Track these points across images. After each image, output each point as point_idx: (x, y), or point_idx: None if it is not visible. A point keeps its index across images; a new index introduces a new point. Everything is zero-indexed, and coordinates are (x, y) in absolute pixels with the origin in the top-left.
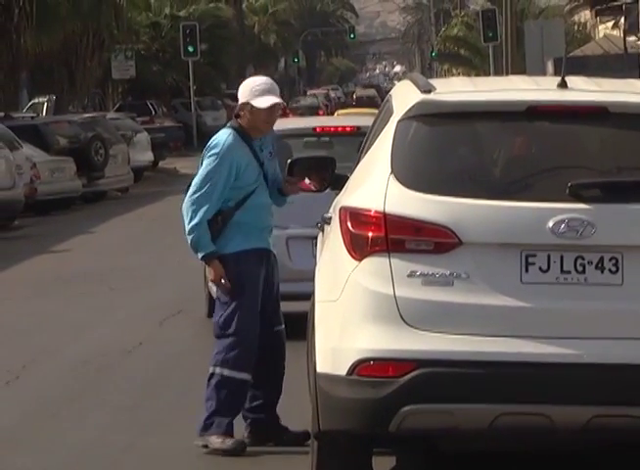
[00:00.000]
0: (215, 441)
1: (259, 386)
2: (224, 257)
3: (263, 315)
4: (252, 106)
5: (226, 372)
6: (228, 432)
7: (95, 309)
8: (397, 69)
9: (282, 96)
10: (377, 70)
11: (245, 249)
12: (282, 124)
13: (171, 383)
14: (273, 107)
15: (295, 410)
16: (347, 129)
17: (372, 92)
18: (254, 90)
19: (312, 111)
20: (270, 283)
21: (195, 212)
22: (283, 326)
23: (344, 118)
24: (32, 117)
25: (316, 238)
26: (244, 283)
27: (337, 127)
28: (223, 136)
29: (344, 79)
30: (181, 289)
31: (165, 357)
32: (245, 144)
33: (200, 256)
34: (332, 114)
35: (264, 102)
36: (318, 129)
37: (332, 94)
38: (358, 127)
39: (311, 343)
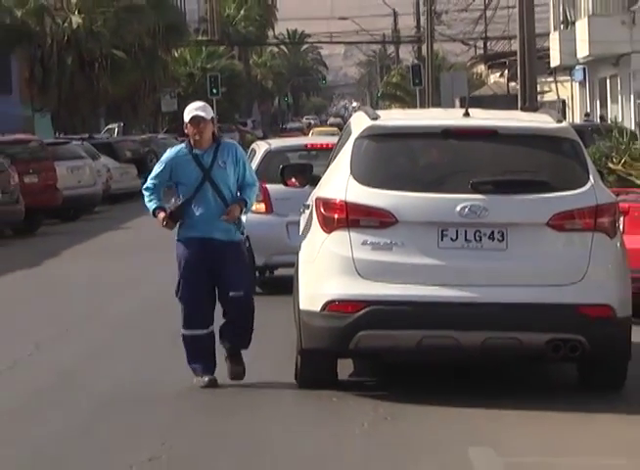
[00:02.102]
0: (196, 381)
1: (225, 336)
2: (176, 241)
3: (221, 285)
4: (184, 122)
5: (182, 330)
6: (201, 373)
7: (146, 268)
8: (354, 104)
9: (277, 122)
10: (340, 105)
11: (185, 237)
12: (283, 142)
13: None
14: (194, 119)
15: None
16: (327, 146)
17: (338, 120)
18: (187, 111)
19: (299, 131)
20: (220, 263)
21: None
22: (240, 292)
23: (325, 138)
24: (108, 138)
25: None
26: (182, 263)
27: (321, 144)
28: (173, 147)
29: (319, 111)
30: None
31: None
32: (188, 153)
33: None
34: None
35: (187, 116)
36: (309, 146)
37: (311, 121)
38: (335, 144)
39: (296, 289)
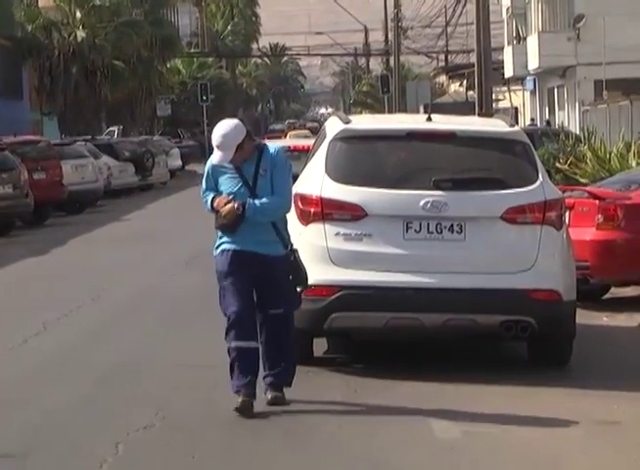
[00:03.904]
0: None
1: (267, 362)
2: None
3: (261, 302)
4: None
5: (229, 344)
6: (237, 391)
7: (146, 255)
8: (329, 110)
9: (260, 126)
10: (316, 111)
11: (223, 249)
12: (269, 144)
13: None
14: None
15: None
16: (308, 148)
17: (315, 124)
18: (213, 138)
19: (281, 132)
20: (260, 279)
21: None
22: (280, 310)
23: (306, 141)
24: (108, 139)
25: None
26: (222, 275)
27: (302, 146)
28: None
29: (298, 116)
30: (199, 241)
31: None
32: (229, 164)
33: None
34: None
35: (215, 158)
36: (292, 148)
37: (293, 124)
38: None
39: None
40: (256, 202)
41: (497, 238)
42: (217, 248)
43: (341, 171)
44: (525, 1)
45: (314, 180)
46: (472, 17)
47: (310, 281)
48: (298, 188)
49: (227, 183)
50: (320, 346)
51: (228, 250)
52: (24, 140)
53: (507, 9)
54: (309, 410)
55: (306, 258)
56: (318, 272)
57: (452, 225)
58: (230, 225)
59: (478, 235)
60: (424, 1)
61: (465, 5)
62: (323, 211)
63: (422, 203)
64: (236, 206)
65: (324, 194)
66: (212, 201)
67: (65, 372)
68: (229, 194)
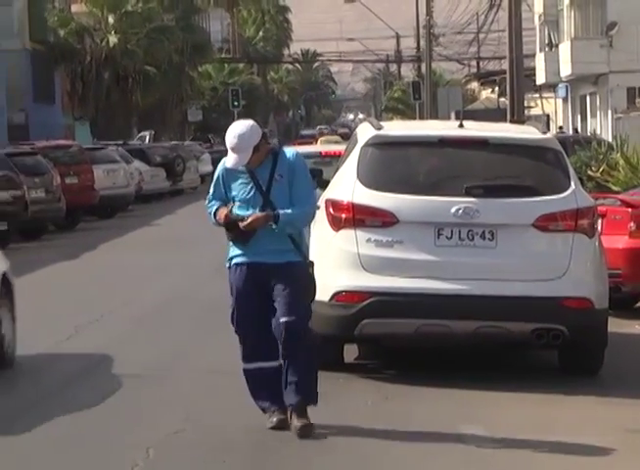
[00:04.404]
0: (267, 421)
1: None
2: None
3: (275, 312)
4: None
5: (242, 365)
6: (270, 409)
7: (176, 260)
8: (360, 116)
9: (291, 132)
10: (347, 117)
11: (235, 263)
12: (302, 149)
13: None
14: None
15: None
16: (339, 153)
17: (346, 130)
18: (226, 140)
19: (312, 137)
20: (272, 287)
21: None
22: (292, 317)
23: (336, 146)
24: (140, 144)
25: None
26: (233, 292)
27: (334, 152)
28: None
29: (329, 122)
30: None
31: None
32: (243, 168)
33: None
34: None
35: (229, 162)
36: (323, 153)
37: (323, 130)
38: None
39: None
40: (287, 212)
41: (529, 245)
42: (230, 260)
43: (372, 177)
44: (558, 8)
45: (346, 186)
46: (504, 23)
47: (341, 287)
48: (329, 194)
49: (239, 189)
50: (351, 352)
51: (242, 264)
52: (57, 145)
53: (539, 16)
54: (340, 416)
55: (337, 263)
56: (349, 278)
57: (484, 232)
58: (245, 237)
59: (509, 242)
60: (456, 8)
61: (497, 12)
62: (354, 216)
63: (453, 209)
64: (265, 215)
65: (355, 200)
66: (216, 212)
67: (96, 376)
68: (241, 201)
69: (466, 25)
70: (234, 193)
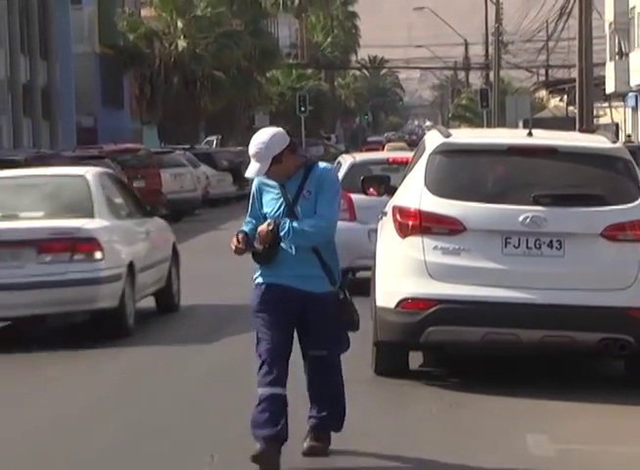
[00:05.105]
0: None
1: (312, 405)
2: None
3: (302, 343)
4: None
5: (259, 390)
6: (261, 442)
7: (241, 265)
8: (427, 123)
9: (357, 138)
10: (414, 124)
11: (259, 282)
12: (367, 156)
13: None
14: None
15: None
16: (407, 160)
17: (413, 136)
18: (249, 150)
19: (379, 144)
20: (303, 317)
21: None
22: (322, 352)
23: (404, 153)
24: (207, 149)
25: None
26: (254, 312)
27: (401, 159)
28: None
29: (396, 129)
30: None
31: None
32: (272, 180)
33: None
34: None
35: (248, 171)
36: (390, 160)
37: (391, 136)
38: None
39: (373, 288)
40: (294, 222)
41: (597, 255)
42: (254, 280)
43: (440, 185)
44: (629, 16)
45: (413, 193)
46: (574, 32)
47: (407, 294)
48: (397, 201)
49: (270, 205)
50: (416, 359)
51: (262, 283)
52: (125, 148)
53: (610, 24)
54: (404, 424)
55: (403, 270)
56: (415, 286)
57: (551, 241)
58: (265, 255)
59: (577, 252)
60: (525, 15)
61: (567, 20)
62: (421, 224)
63: (521, 218)
64: (268, 223)
65: (423, 207)
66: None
67: (160, 379)
68: (270, 218)
69: (535, 33)
70: (265, 209)
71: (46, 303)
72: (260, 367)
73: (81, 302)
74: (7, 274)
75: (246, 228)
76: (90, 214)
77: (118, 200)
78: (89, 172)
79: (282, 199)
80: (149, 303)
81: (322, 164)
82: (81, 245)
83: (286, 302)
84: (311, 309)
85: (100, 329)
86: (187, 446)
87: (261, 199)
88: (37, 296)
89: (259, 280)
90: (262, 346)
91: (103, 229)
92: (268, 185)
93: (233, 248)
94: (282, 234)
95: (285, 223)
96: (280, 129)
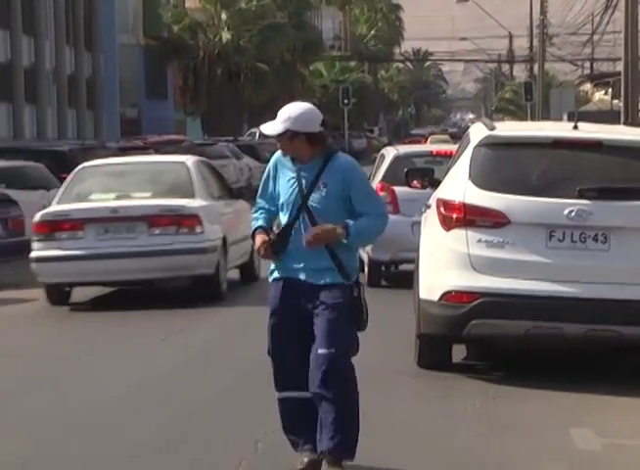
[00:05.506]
0: (297, 460)
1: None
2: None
3: (313, 341)
4: None
5: (275, 394)
6: (301, 446)
7: None
8: (471, 116)
9: (400, 131)
10: (457, 116)
11: (273, 278)
12: (410, 148)
13: None
14: (277, 136)
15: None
16: (450, 153)
17: (456, 129)
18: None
19: (422, 137)
20: (314, 313)
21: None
22: (331, 350)
23: (447, 146)
24: (250, 140)
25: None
26: (269, 310)
27: (445, 151)
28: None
29: (438, 122)
30: None
31: None
32: (290, 159)
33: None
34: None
35: (264, 127)
36: (434, 152)
37: (433, 130)
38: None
39: (416, 280)
40: (358, 224)
41: None
42: (270, 274)
43: (484, 178)
44: None
45: (457, 186)
46: (619, 25)
47: (451, 287)
48: (441, 193)
49: (284, 189)
50: (459, 352)
51: (279, 279)
52: (168, 140)
53: None
54: (448, 417)
55: (447, 263)
56: (459, 278)
57: (596, 235)
58: (275, 250)
59: (622, 245)
60: (570, 8)
61: (613, 13)
62: (465, 216)
63: (566, 211)
64: (339, 232)
65: (467, 200)
66: (255, 233)
67: (205, 370)
68: (284, 203)
69: (581, 26)
70: (280, 191)
71: (155, 269)
72: (273, 371)
73: (185, 268)
74: (123, 244)
75: (262, 222)
76: (191, 195)
77: (212, 183)
78: (189, 160)
79: (296, 186)
80: (234, 274)
81: (343, 157)
82: (185, 220)
83: (298, 297)
84: (322, 304)
85: (198, 293)
86: (232, 434)
87: (276, 178)
88: (148, 263)
89: (276, 275)
90: (273, 348)
91: (202, 207)
92: (285, 166)
93: (262, 253)
94: (350, 240)
95: (351, 228)
96: (318, 112)
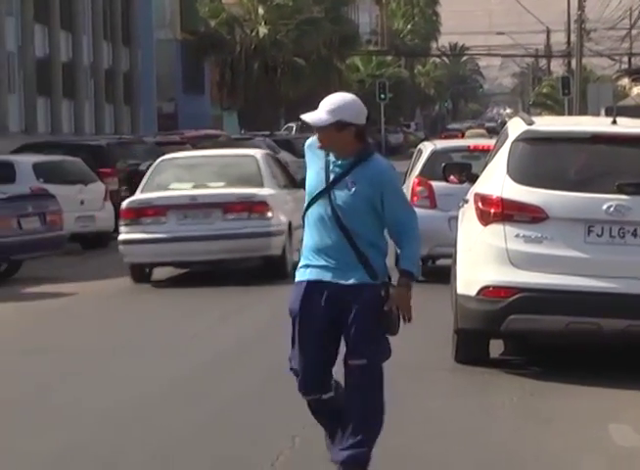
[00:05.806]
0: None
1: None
2: None
3: (346, 347)
4: None
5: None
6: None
7: None
8: (508, 111)
9: (437, 125)
10: (494, 111)
11: (298, 280)
12: (448, 143)
13: None
14: (317, 128)
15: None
16: (487, 148)
17: (493, 124)
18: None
19: (459, 131)
20: (342, 318)
21: None
22: (362, 361)
23: (484, 141)
24: (286, 135)
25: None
26: (292, 317)
27: (482, 146)
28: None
29: (475, 116)
30: None
31: None
32: (322, 152)
33: None
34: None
35: (307, 116)
36: (471, 147)
37: (471, 124)
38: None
39: (453, 275)
40: (407, 254)
41: None
42: (297, 270)
43: (522, 173)
44: None
45: (495, 181)
46: None
47: (488, 282)
48: (479, 188)
49: (311, 180)
50: (496, 347)
51: (302, 281)
52: (205, 134)
53: None
54: (486, 412)
55: (485, 258)
56: (497, 273)
57: (635, 230)
58: None
59: None
60: (608, 3)
61: None
62: (503, 211)
63: (605, 207)
64: (410, 287)
65: (505, 195)
66: None
67: (240, 366)
68: (309, 195)
69: (619, 21)
70: (307, 186)
71: (230, 250)
72: (298, 375)
73: (256, 250)
74: (200, 229)
75: None
76: (260, 185)
77: (278, 174)
78: (258, 153)
79: (322, 177)
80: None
81: (379, 160)
82: (256, 207)
83: (324, 307)
84: (349, 307)
85: (267, 272)
86: (270, 428)
87: (308, 162)
88: (223, 245)
89: (300, 277)
90: (294, 360)
91: (271, 196)
92: (316, 154)
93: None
94: (416, 276)
95: (411, 269)
96: (354, 98)
